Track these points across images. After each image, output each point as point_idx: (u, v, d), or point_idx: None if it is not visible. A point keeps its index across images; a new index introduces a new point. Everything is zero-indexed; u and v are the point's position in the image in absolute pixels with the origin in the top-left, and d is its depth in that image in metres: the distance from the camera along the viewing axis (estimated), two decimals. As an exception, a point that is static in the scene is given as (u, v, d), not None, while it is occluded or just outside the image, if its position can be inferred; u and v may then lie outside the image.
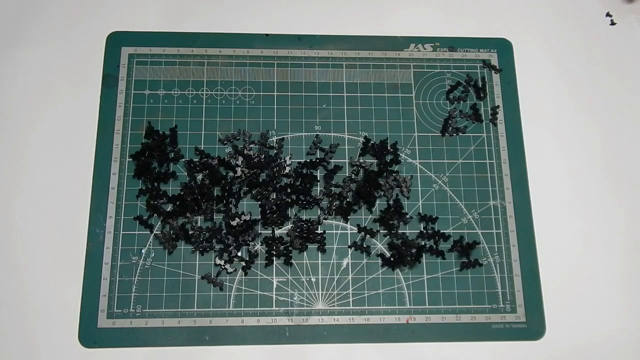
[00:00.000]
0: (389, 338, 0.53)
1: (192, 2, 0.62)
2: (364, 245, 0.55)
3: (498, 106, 0.60)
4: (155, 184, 0.56)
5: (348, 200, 0.56)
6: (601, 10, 0.64)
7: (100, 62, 0.59)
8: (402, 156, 0.58)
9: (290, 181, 0.56)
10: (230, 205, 0.55)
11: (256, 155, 0.56)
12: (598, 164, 0.59)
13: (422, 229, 0.56)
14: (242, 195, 0.56)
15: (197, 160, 0.56)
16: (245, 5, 0.63)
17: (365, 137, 0.58)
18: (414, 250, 0.55)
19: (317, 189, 0.57)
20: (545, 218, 0.57)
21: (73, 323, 0.52)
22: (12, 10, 0.61)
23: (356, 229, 0.56)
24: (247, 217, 0.55)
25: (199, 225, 0.55)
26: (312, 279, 0.54)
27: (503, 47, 0.63)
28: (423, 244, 0.56)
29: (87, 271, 0.53)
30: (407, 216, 0.56)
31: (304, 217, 0.56)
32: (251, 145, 0.57)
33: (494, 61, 0.62)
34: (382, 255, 0.55)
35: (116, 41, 0.60)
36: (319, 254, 0.55)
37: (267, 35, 0.61)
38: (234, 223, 0.54)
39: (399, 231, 0.56)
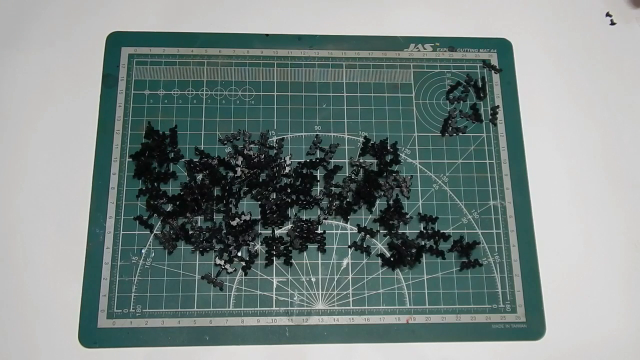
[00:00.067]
0: (389, 338, 0.53)
1: (192, 2, 0.62)
2: (364, 245, 0.55)
3: (498, 106, 0.60)
4: (155, 184, 0.56)
5: (348, 200, 0.56)
6: (601, 10, 0.64)
7: (100, 62, 0.59)
8: (402, 156, 0.58)
9: (290, 181, 0.56)
10: (230, 205, 0.55)
11: (256, 155, 0.57)
12: (598, 164, 0.59)
13: (422, 229, 0.56)
14: (242, 195, 0.56)
15: (197, 160, 0.56)
16: (245, 5, 0.63)
17: (365, 137, 0.58)
18: (414, 250, 0.55)
19: (317, 189, 0.57)
20: (545, 218, 0.57)
21: (73, 323, 0.52)
22: (12, 10, 0.61)
23: (356, 229, 0.56)
24: (247, 217, 0.55)
25: (199, 225, 0.55)
26: (312, 279, 0.54)
27: (503, 47, 0.63)
28: (423, 244, 0.56)
29: (87, 271, 0.53)
30: (407, 216, 0.56)
31: (304, 217, 0.56)
32: (251, 145, 0.57)
33: (494, 61, 0.62)
34: (382, 255, 0.55)
35: (116, 41, 0.60)
36: (319, 254, 0.55)
37: (267, 35, 0.61)
38: (234, 223, 0.54)
39: (399, 231, 0.56)
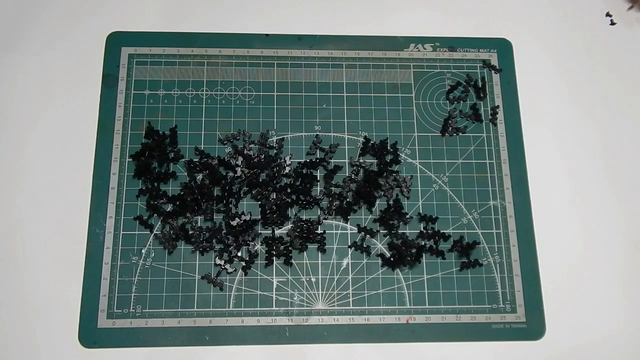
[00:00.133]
0: (389, 338, 0.53)
1: (192, 2, 0.62)
2: (364, 245, 0.55)
3: (498, 106, 0.60)
4: (155, 184, 0.56)
5: (348, 200, 0.56)
6: (601, 10, 0.64)
7: (100, 62, 0.59)
8: (402, 156, 0.58)
9: (290, 181, 0.56)
10: (230, 205, 0.55)
11: (256, 155, 0.57)
12: (598, 164, 0.59)
13: (422, 229, 0.56)
14: (242, 195, 0.56)
15: (197, 160, 0.56)
16: (245, 5, 0.63)
17: (365, 137, 0.58)
18: (414, 250, 0.55)
19: (317, 189, 0.57)
20: (545, 218, 0.57)
21: (73, 323, 0.52)
22: (12, 10, 0.61)
23: (356, 229, 0.56)
24: (247, 217, 0.55)
25: (199, 225, 0.55)
26: (312, 279, 0.54)
27: (503, 47, 0.63)
28: (423, 244, 0.56)
29: (87, 271, 0.53)
30: (407, 216, 0.56)
31: (304, 217, 0.56)
32: (251, 145, 0.57)
33: (494, 61, 0.62)
34: (382, 255, 0.55)
35: (116, 41, 0.60)
36: (319, 254, 0.55)
37: (267, 35, 0.61)
38: (234, 223, 0.54)
39: (399, 231, 0.56)
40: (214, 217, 0.55)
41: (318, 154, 0.58)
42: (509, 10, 0.64)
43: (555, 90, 0.61)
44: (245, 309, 0.53)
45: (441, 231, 0.56)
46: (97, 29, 0.60)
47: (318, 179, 0.57)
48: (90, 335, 0.52)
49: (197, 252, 0.54)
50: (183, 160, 0.57)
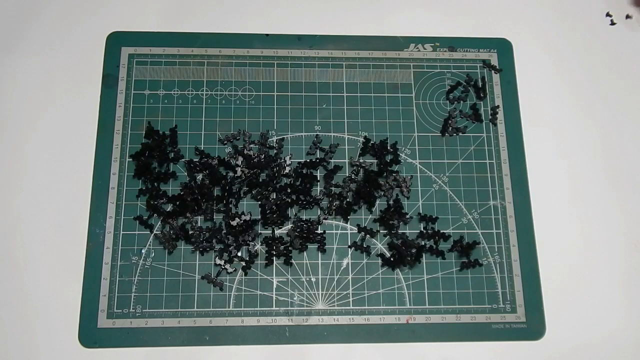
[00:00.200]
0: (389, 338, 0.53)
1: (192, 2, 0.62)
2: (364, 245, 0.55)
3: (498, 106, 0.60)
4: (155, 184, 0.56)
5: (348, 200, 0.56)
6: (601, 10, 0.64)
7: (100, 62, 0.59)
8: (402, 156, 0.58)
9: (290, 181, 0.56)
10: (230, 205, 0.55)
11: (256, 155, 0.57)
12: (598, 164, 0.59)
13: (422, 229, 0.56)
14: (242, 195, 0.56)
15: (197, 160, 0.56)
16: (245, 5, 0.63)
17: (365, 137, 0.58)
18: (414, 250, 0.55)
19: (317, 189, 0.57)
20: (545, 218, 0.57)
21: (73, 323, 0.52)
22: (12, 10, 0.61)
23: (356, 229, 0.56)
24: (247, 217, 0.55)
25: (199, 225, 0.55)
26: (312, 279, 0.54)
27: (503, 47, 0.63)
28: (423, 244, 0.56)
29: (87, 271, 0.53)
30: (407, 216, 0.56)
31: (304, 217, 0.56)
32: (251, 145, 0.57)
33: (494, 61, 0.62)
34: (382, 255, 0.55)
35: (116, 41, 0.60)
36: (319, 254, 0.55)
37: (267, 35, 0.61)
38: (234, 223, 0.54)
39: (399, 231, 0.56)
40: (214, 217, 0.55)
41: (318, 154, 0.58)
42: (509, 10, 0.64)
43: (555, 90, 0.61)
44: (245, 309, 0.53)
45: (441, 231, 0.56)
46: (97, 29, 0.60)
47: (318, 179, 0.57)
48: (90, 335, 0.52)
49: (197, 252, 0.54)
50: (183, 160, 0.57)
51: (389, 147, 0.58)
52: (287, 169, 0.56)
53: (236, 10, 0.62)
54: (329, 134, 0.59)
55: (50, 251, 0.54)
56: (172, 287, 0.53)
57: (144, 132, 0.57)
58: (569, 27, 0.64)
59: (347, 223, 0.56)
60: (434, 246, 0.55)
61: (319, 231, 0.55)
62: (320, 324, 0.53)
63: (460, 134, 0.59)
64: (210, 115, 0.58)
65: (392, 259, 0.55)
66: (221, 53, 0.61)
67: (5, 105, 0.58)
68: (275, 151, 0.57)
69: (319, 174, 0.57)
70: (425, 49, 0.62)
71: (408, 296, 0.54)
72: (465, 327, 0.54)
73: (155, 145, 0.56)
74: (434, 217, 0.56)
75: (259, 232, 0.55)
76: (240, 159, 0.56)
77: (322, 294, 0.54)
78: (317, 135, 0.58)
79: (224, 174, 0.56)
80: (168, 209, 0.55)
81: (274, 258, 0.55)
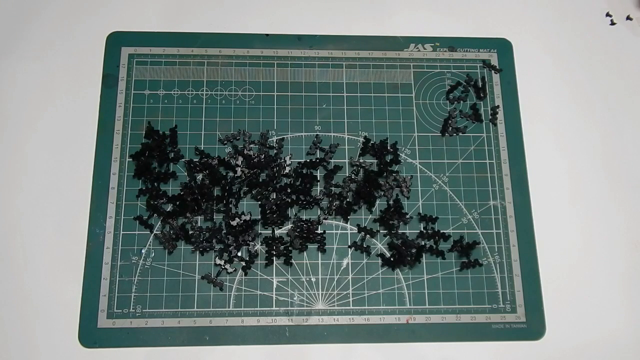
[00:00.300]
0: (389, 338, 0.53)
1: (192, 2, 0.62)
2: (364, 245, 0.55)
3: (498, 106, 0.60)
4: (155, 184, 0.56)
5: (348, 200, 0.56)
6: (601, 10, 0.64)
7: (100, 62, 0.59)
8: (402, 156, 0.58)
9: (290, 181, 0.56)
10: (230, 205, 0.55)
11: (256, 155, 0.57)
12: (598, 164, 0.59)
13: (422, 229, 0.56)
14: (242, 195, 0.56)
15: (197, 160, 0.56)
16: (245, 5, 0.63)
17: (365, 137, 0.58)
18: (414, 250, 0.55)
19: (317, 189, 0.57)
20: (545, 218, 0.57)
21: (73, 323, 0.52)
22: (12, 10, 0.61)
23: (356, 229, 0.56)
24: (247, 217, 0.55)
25: (199, 225, 0.55)
26: (312, 279, 0.54)
27: (503, 47, 0.63)
28: (423, 244, 0.56)
29: (87, 271, 0.53)
30: (407, 216, 0.56)
31: (304, 217, 0.56)
32: (251, 145, 0.57)
33: (494, 61, 0.62)
34: (382, 255, 0.55)
35: (116, 41, 0.60)
36: (319, 254, 0.55)
37: (267, 35, 0.61)
38: (234, 223, 0.54)
39: (399, 231, 0.56)
40: (214, 217, 0.55)
41: (318, 154, 0.58)
42: (509, 10, 0.64)
43: (555, 90, 0.61)
44: (245, 309, 0.53)
45: (441, 231, 0.56)
46: (97, 29, 0.60)
47: (318, 179, 0.57)
48: (90, 335, 0.52)
49: (197, 252, 0.54)
50: (183, 160, 0.57)
51: (389, 147, 0.58)
52: (287, 169, 0.56)
53: (236, 10, 0.62)
54: (329, 134, 0.59)
55: (50, 251, 0.54)
56: (172, 287, 0.53)
57: (144, 132, 0.57)
58: (569, 27, 0.64)
59: (347, 223, 0.56)
60: (434, 246, 0.55)
61: (319, 231, 0.55)
62: (320, 324, 0.53)
63: (460, 134, 0.59)
64: (210, 115, 0.58)
65: (392, 259, 0.55)
66: (221, 53, 0.61)
67: (5, 105, 0.58)
68: (275, 151, 0.57)
69: (319, 174, 0.57)
70: (425, 49, 0.62)
71: (408, 296, 0.54)
72: (465, 327, 0.54)
73: (155, 145, 0.56)
74: (434, 217, 0.56)
75: (259, 232, 0.55)
76: (240, 159, 0.56)
77: (322, 294, 0.54)
78: (317, 135, 0.58)
79: (224, 174, 0.56)
80: (168, 209, 0.55)
81: (274, 258, 0.55)
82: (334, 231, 0.56)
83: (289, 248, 0.55)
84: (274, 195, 0.56)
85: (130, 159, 0.56)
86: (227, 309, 0.53)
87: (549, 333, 0.54)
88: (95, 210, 0.55)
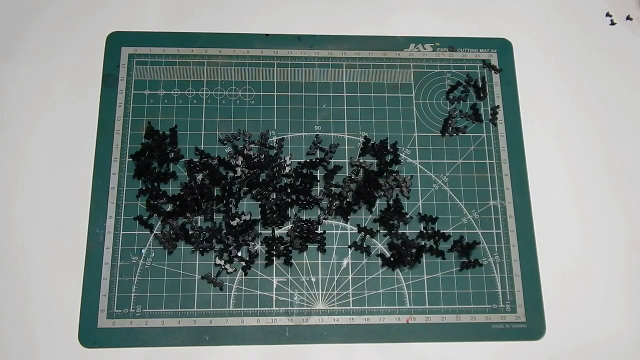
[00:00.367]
0: (389, 338, 0.53)
1: (192, 2, 0.62)
2: (364, 245, 0.55)
3: (498, 106, 0.60)
4: (155, 184, 0.56)
5: (348, 200, 0.56)
6: (601, 10, 0.64)
7: (100, 62, 0.59)
8: (402, 156, 0.58)
9: (290, 181, 0.56)
10: (230, 205, 0.55)
11: (256, 155, 0.57)
12: (598, 164, 0.59)
13: (422, 229, 0.56)
14: (242, 195, 0.56)
15: (197, 160, 0.56)
16: (245, 5, 0.63)
17: (365, 137, 0.58)
18: (414, 250, 0.55)
19: (317, 189, 0.57)
20: (545, 218, 0.57)
21: (73, 323, 0.52)
22: (12, 10, 0.61)
23: (356, 229, 0.56)
24: (247, 217, 0.55)
25: (199, 225, 0.55)
26: (312, 279, 0.54)
27: (503, 47, 0.63)
28: (423, 244, 0.56)
29: (87, 271, 0.53)
30: (407, 216, 0.56)
31: (304, 217, 0.56)
32: (251, 145, 0.57)
33: (494, 61, 0.62)
34: (382, 255, 0.55)
35: (116, 41, 0.60)
36: (319, 254, 0.55)
37: (267, 35, 0.61)
38: (234, 223, 0.54)
39: (399, 231, 0.56)
40: (214, 217, 0.55)
41: (318, 154, 0.58)
42: (509, 10, 0.64)
43: (555, 90, 0.61)
44: (245, 309, 0.53)
45: (441, 231, 0.56)
46: (97, 29, 0.60)
47: (318, 179, 0.57)
48: (90, 335, 0.52)
49: (197, 252, 0.54)
50: (183, 160, 0.57)
51: (389, 147, 0.58)
52: (287, 169, 0.56)
53: (236, 10, 0.62)
54: (329, 134, 0.59)
55: (50, 251, 0.54)
56: (172, 287, 0.53)
57: (144, 132, 0.57)
58: (569, 27, 0.64)
59: (347, 223, 0.56)
60: (434, 246, 0.55)
61: (319, 231, 0.55)
62: (320, 324, 0.53)
63: (460, 134, 0.59)
64: (210, 115, 0.58)
65: (392, 259, 0.55)
66: (221, 53, 0.61)
67: (6, 105, 0.58)
68: (275, 151, 0.57)
69: (319, 174, 0.57)
70: (425, 49, 0.62)
71: (408, 296, 0.54)
72: (465, 327, 0.54)
73: (155, 145, 0.56)
74: (434, 217, 0.56)
75: (259, 232, 0.55)
76: (240, 159, 0.56)
77: (322, 294, 0.54)
78: (317, 135, 0.58)
79: (224, 174, 0.56)
80: (168, 209, 0.55)
81: (274, 258, 0.55)
82: (334, 231, 0.56)
83: (289, 248, 0.55)
84: (274, 195, 0.56)
85: (130, 159, 0.56)
86: (227, 309, 0.53)
87: (549, 333, 0.54)
88: (95, 210, 0.55)
